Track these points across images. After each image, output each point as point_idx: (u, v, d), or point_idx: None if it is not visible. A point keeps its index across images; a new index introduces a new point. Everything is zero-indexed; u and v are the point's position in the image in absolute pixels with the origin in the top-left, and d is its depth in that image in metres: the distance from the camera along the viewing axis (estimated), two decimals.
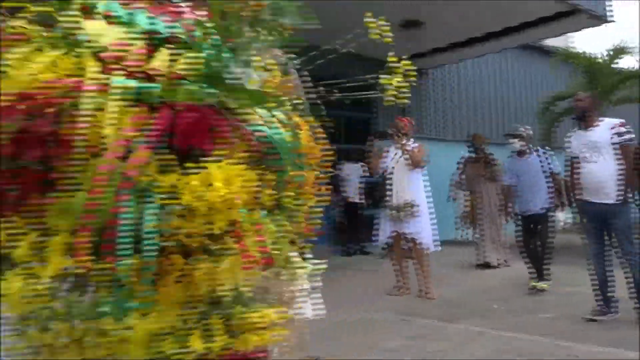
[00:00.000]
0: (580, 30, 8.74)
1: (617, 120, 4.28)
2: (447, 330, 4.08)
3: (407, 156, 5.29)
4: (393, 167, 5.38)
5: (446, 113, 11.27)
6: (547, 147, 5.62)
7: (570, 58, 10.47)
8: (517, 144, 5.51)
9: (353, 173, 8.80)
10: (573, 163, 4.39)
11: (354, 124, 10.02)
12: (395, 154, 5.41)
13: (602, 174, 4.16)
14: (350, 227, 9.05)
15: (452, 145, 10.64)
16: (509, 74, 12.89)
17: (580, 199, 4.37)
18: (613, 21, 7.78)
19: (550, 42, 12.07)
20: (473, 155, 7.45)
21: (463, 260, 7.70)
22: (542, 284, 5.37)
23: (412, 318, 4.51)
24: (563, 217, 5.39)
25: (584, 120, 4.31)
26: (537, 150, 5.53)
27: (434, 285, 5.43)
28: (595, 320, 4.20)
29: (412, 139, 5.49)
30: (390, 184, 5.36)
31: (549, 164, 5.38)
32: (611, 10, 7.82)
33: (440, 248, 5.51)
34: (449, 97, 11.36)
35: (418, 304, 5.12)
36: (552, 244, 5.39)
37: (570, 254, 7.34)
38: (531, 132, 5.64)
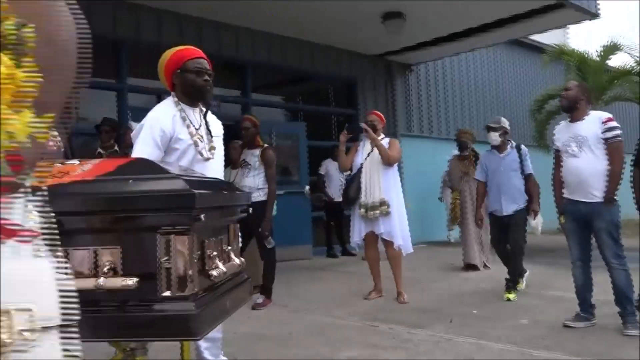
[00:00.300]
0: (568, 25, 8.49)
1: (606, 115, 3.96)
2: (413, 338, 3.80)
3: (379, 152, 5.03)
4: (364, 164, 5.10)
5: (434, 110, 10.99)
6: (523, 145, 5.26)
7: (562, 55, 10.19)
8: (496, 138, 5.14)
9: (335, 171, 8.53)
10: (558, 157, 4.09)
11: (339, 121, 9.75)
12: (369, 150, 5.14)
13: (587, 170, 3.84)
14: (335, 227, 8.80)
15: (441, 143, 10.40)
16: (501, 71, 12.61)
17: (563, 197, 4.08)
18: (599, 16, 7.53)
19: (547, 39, 11.80)
20: (458, 152, 7.20)
21: (450, 262, 7.46)
22: (519, 285, 5.07)
23: (380, 324, 4.23)
24: (540, 222, 5.03)
25: (572, 111, 3.99)
26: (517, 147, 5.16)
27: (404, 287, 5.16)
28: (573, 327, 3.92)
29: (383, 134, 5.22)
30: (361, 182, 5.08)
31: (525, 163, 5.04)
32: (597, 5, 7.58)
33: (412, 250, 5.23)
34: (436, 94, 11.08)
35: (392, 308, 4.84)
36: (522, 248, 5.07)
37: (556, 255, 7.10)
38: (509, 126, 5.28)
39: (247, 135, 5.02)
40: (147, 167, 1.88)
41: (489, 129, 5.17)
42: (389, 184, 5.05)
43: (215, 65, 7.96)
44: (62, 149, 2.58)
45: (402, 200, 5.16)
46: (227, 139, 5.11)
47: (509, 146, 5.17)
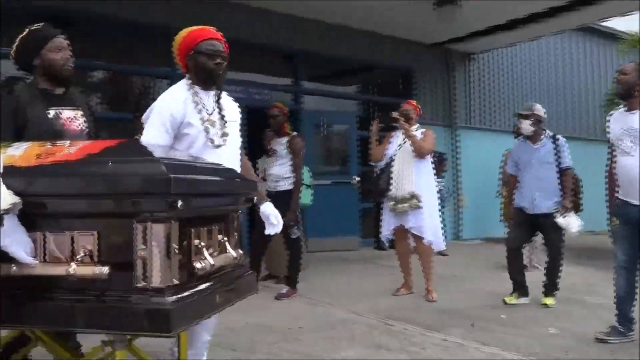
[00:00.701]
0: None
1: None
2: (424, 340, 3.59)
3: (412, 143, 4.80)
4: (395, 155, 4.89)
5: (496, 101, 10.45)
6: (560, 136, 4.75)
7: (638, 43, 9.31)
8: (528, 126, 4.65)
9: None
10: (612, 152, 3.62)
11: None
12: (401, 141, 4.92)
13: None
14: None
15: (503, 136, 9.88)
16: (569, 60, 11.77)
17: (615, 198, 3.67)
18: None
19: (628, 26, 10.89)
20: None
21: (498, 260, 7.06)
22: (549, 300, 4.63)
23: (396, 323, 4.04)
24: (577, 223, 4.54)
25: (628, 98, 3.50)
26: (553, 137, 4.66)
27: (438, 285, 4.95)
28: (606, 342, 3.56)
29: (417, 125, 4.98)
30: (392, 173, 4.87)
31: (561, 156, 4.55)
32: None
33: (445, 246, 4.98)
34: (499, 84, 10.52)
35: (417, 306, 4.62)
36: (560, 251, 4.57)
37: (609, 257, 6.52)
38: (546, 113, 4.75)
39: (275, 123, 4.95)
40: (133, 150, 1.80)
41: (520, 116, 4.73)
42: (421, 177, 4.82)
43: (266, 54, 7.86)
44: (86, 131, 2.58)
45: (435, 194, 4.91)
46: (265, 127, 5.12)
47: (543, 136, 4.68)
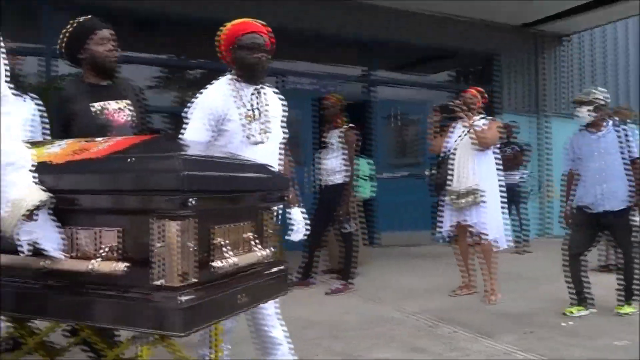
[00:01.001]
0: None
1: None
2: (469, 346, 3.36)
3: (474, 134, 4.50)
4: (456, 147, 4.62)
5: (590, 86, 9.61)
6: (628, 123, 4.20)
7: None
8: (586, 114, 4.12)
9: None
10: None
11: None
12: (462, 132, 4.64)
13: None
14: None
15: None
16: None
17: None
18: None
19: None
20: None
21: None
22: (627, 308, 4.15)
23: (446, 325, 3.83)
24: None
25: None
26: (616, 125, 4.13)
27: (509, 285, 4.67)
28: None
29: (480, 115, 4.67)
30: (452, 167, 4.60)
31: (629, 145, 4.02)
32: None
33: (511, 244, 4.65)
34: (593, 67, 9.66)
35: (475, 308, 4.36)
36: (633, 254, 4.05)
37: None
38: (608, 99, 4.22)
39: (328, 115, 4.86)
40: (157, 146, 1.80)
41: (579, 102, 4.19)
42: (483, 170, 4.52)
43: (339, 45, 7.71)
44: (132, 122, 2.61)
45: (498, 188, 4.57)
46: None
47: (606, 124, 4.15)
